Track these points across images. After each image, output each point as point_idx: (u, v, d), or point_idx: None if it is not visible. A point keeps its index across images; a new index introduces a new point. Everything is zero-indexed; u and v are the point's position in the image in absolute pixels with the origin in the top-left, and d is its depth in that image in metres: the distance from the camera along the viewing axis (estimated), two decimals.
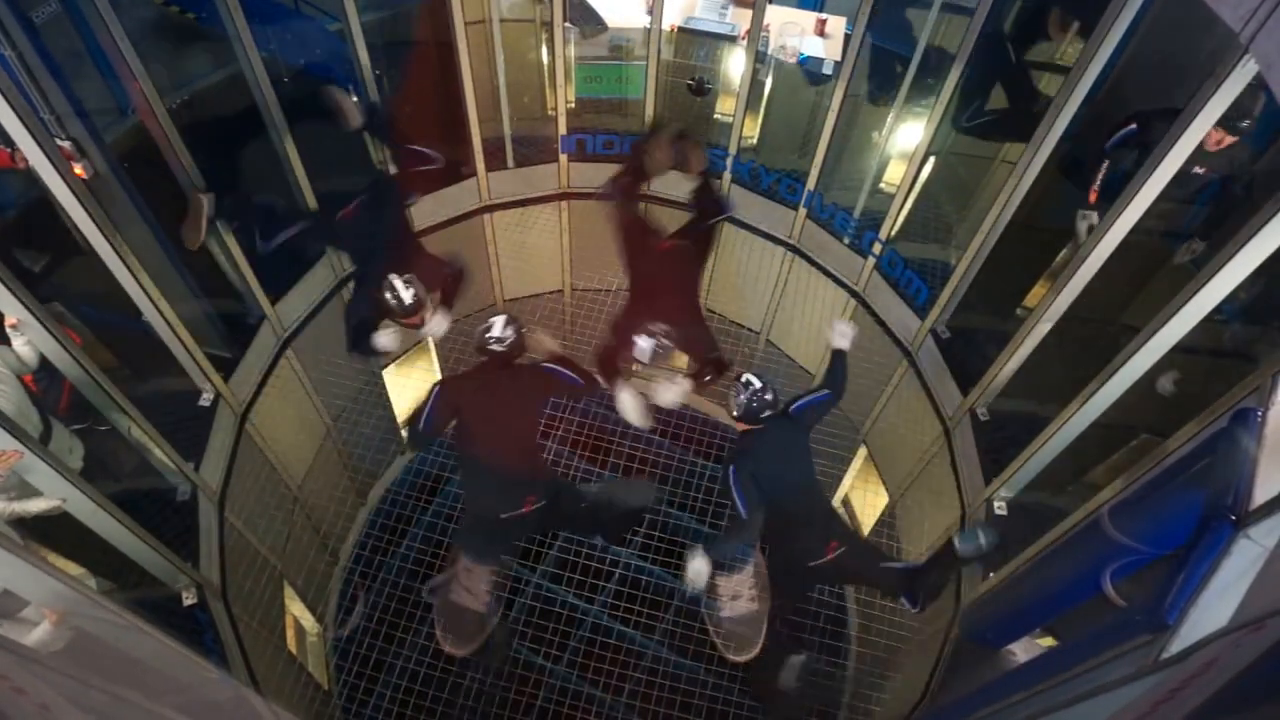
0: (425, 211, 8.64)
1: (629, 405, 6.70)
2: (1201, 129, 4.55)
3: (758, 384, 5.96)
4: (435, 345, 10.03)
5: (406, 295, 6.17)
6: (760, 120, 9.22)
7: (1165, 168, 4.79)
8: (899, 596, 6.18)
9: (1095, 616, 4.23)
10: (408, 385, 10.09)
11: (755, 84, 8.32)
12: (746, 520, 5.82)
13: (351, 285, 8.01)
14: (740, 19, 9.03)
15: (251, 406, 7.47)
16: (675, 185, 8.66)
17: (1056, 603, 5.07)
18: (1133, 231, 5.23)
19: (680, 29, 9.12)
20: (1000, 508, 6.54)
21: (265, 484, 7.74)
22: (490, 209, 9.23)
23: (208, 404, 6.96)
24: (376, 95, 7.49)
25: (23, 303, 4.93)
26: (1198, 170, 6.07)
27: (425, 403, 5.81)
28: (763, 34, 8.05)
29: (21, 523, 4.80)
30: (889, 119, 8.08)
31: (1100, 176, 6.42)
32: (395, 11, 8.43)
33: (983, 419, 7.04)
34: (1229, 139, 5.83)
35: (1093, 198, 6.45)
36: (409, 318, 6.31)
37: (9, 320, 4.99)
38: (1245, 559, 2.94)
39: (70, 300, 6.33)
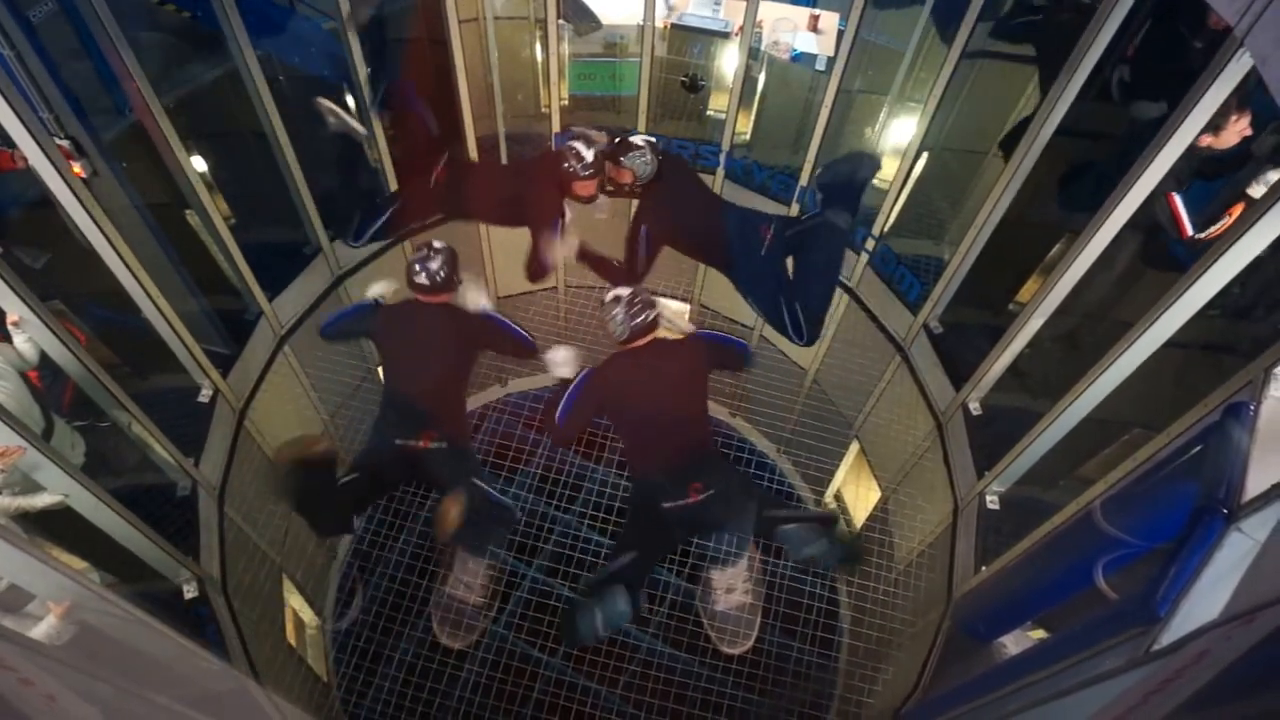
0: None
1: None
2: (1196, 124, 4.60)
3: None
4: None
5: (588, 153, 5.97)
6: (753, 116, 9.25)
7: (1159, 163, 4.84)
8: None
9: (1087, 609, 4.27)
10: None
11: (748, 80, 8.36)
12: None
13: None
14: (733, 15, 9.06)
15: (250, 403, 7.50)
16: None
17: (1049, 595, 5.11)
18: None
19: (674, 26, 9.14)
20: (993, 502, 6.59)
21: (264, 479, 7.76)
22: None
23: (206, 400, 6.98)
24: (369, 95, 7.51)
25: (24, 300, 4.96)
26: None
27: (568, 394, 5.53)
28: (756, 30, 8.08)
29: (25, 517, 4.83)
30: (882, 114, 8.12)
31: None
32: (390, 10, 8.43)
33: (975, 413, 7.08)
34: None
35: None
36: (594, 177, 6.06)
37: (10, 318, 5.02)
38: (1237, 552, 2.98)
39: (70, 298, 6.35)
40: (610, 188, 6.33)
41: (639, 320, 5.41)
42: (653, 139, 6.13)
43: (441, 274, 5.56)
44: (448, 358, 5.78)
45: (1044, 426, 5.83)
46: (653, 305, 5.49)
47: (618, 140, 6.09)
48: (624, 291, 5.46)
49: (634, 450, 5.90)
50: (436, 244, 5.62)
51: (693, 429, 5.69)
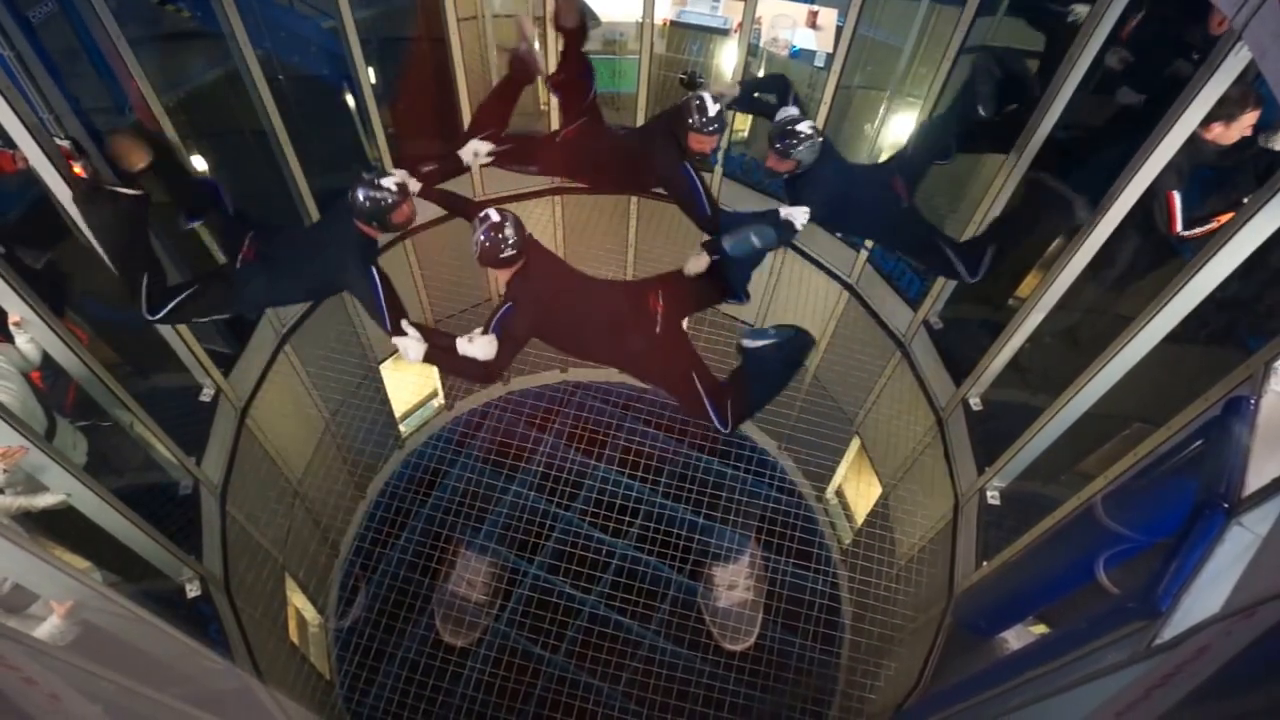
0: (420, 208, 8.68)
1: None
2: (1194, 118, 4.60)
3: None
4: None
5: (713, 107, 5.66)
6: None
7: (1158, 156, 4.84)
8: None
9: (1089, 604, 4.28)
10: (405, 380, 10.13)
11: (747, 76, 8.35)
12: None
13: None
14: (732, 12, 9.05)
15: (251, 402, 7.50)
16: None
17: (1050, 590, 5.12)
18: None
19: (673, 23, 9.14)
20: (993, 497, 6.59)
21: (266, 478, 7.78)
22: (484, 204, 9.23)
23: (208, 399, 7.00)
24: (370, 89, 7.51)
25: (25, 300, 4.96)
26: None
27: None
28: (754, 27, 8.08)
29: (28, 517, 4.84)
30: (881, 110, 8.11)
31: None
32: (389, 8, 8.44)
33: (976, 409, 7.08)
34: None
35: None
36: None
37: (12, 318, 5.02)
38: (1238, 546, 2.98)
39: (71, 297, 6.35)
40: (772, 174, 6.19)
41: (504, 251, 5.08)
42: (811, 123, 5.83)
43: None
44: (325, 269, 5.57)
45: (1044, 422, 5.84)
46: (517, 247, 5.11)
47: (775, 127, 5.87)
48: (495, 216, 5.07)
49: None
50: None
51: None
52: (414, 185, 5.47)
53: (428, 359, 5.35)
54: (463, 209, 5.99)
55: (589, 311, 5.55)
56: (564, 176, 6.99)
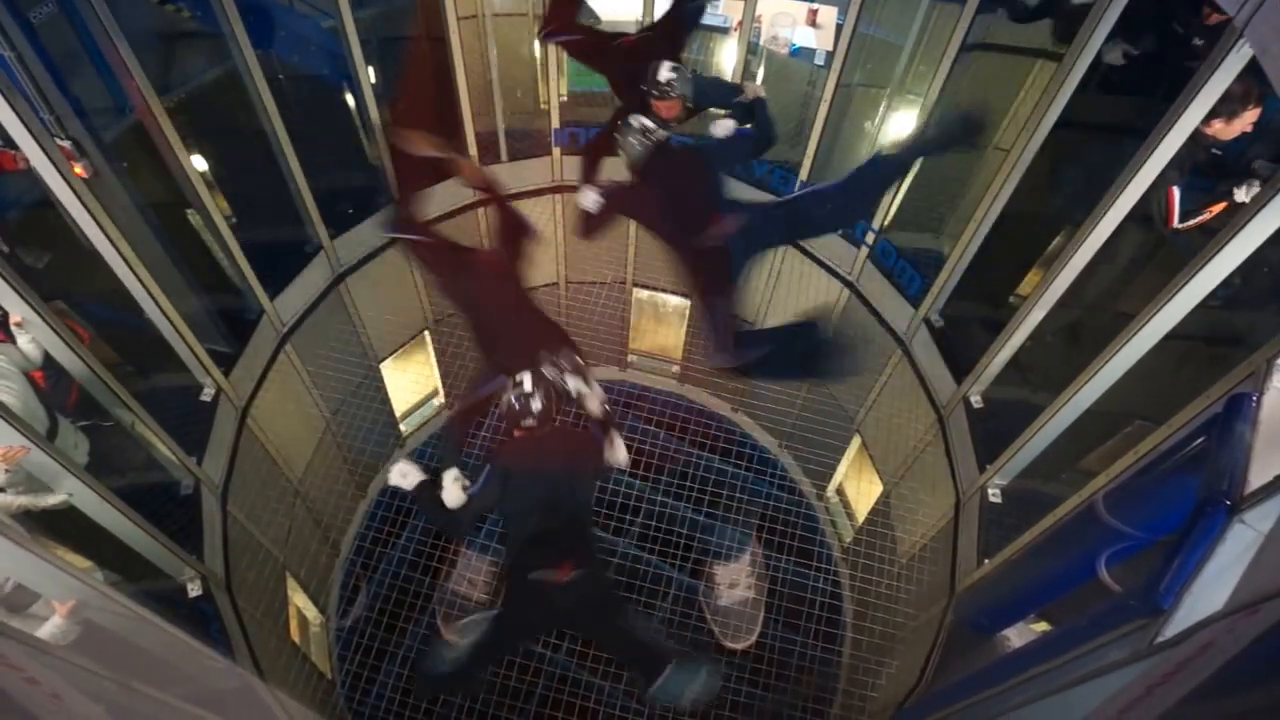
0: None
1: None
2: (1196, 115, 4.60)
3: None
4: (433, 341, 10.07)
5: (665, 74, 6.00)
6: None
7: (1160, 153, 4.83)
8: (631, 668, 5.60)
9: (1091, 602, 4.28)
10: (405, 379, 10.12)
11: (747, 75, 8.34)
12: None
13: None
14: (732, 11, 9.05)
15: (252, 401, 7.50)
16: None
17: (1052, 588, 5.12)
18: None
19: None
20: (995, 495, 6.59)
21: (266, 477, 7.78)
22: (484, 203, 9.24)
23: (209, 399, 6.99)
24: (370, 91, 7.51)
25: (27, 301, 4.96)
26: None
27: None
28: (754, 25, 8.08)
29: (29, 517, 4.84)
30: (881, 108, 8.10)
31: None
32: (389, 8, 8.44)
33: (977, 407, 7.08)
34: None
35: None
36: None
37: (14, 318, 5.03)
38: (1240, 543, 2.99)
39: (73, 298, 6.36)
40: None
41: (525, 420, 5.06)
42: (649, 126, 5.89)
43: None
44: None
45: (1046, 419, 5.83)
46: (538, 420, 5.07)
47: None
48: (527, 385, 5.05)
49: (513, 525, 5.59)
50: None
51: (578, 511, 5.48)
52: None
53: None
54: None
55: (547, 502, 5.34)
56: (610, 80, 7.35)
